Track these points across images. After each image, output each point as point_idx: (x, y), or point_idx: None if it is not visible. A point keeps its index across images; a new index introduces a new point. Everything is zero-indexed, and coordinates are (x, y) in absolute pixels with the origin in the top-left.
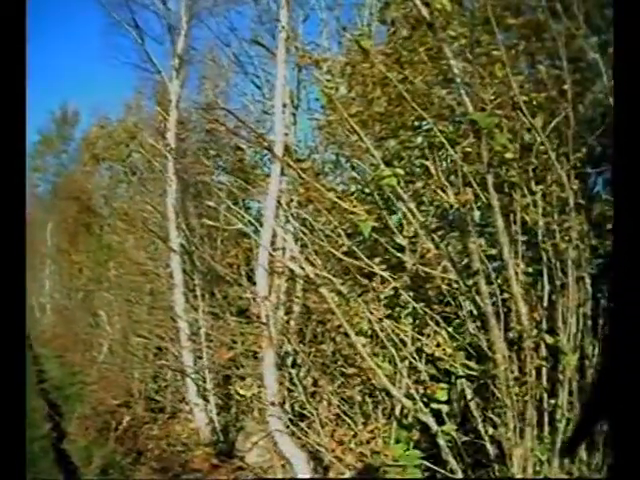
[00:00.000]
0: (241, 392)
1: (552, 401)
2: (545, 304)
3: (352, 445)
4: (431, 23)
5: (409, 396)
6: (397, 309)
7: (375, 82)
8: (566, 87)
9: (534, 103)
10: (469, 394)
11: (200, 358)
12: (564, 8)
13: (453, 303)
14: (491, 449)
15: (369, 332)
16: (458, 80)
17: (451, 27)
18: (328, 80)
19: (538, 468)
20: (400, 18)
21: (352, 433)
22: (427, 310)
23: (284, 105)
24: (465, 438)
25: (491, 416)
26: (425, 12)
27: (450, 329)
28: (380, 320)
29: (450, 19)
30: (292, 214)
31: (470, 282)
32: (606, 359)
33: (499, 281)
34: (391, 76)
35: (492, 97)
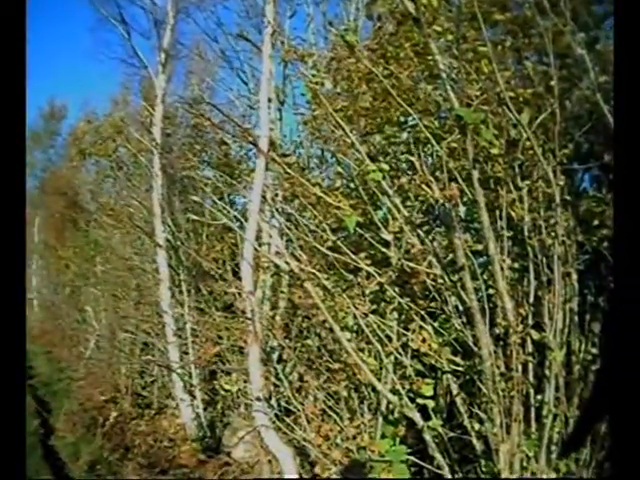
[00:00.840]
0: (227, 387)
1: (539, 397)
2: (531, 300)
3: (338, 440)
4: (417, 18)
5: (395, 391)
6: (382, 304)
7: (361, 77)
8: (553, 83)
9: (520, 99)
10: (455, 390)
11: (186, 353)
12: (551, 4)
13: (439, 298)
14: (477, 445)
15: (354, 327)
16: (444, 76)
17: (437, 23)
18: (314, 75)
19: (525, 464)
20: (386, 13)
21: (338, 428)
22: (412, 305)
23: (269, 100)
24: (451, 434)
25: (477, 412)
26: (411, 7)
27: (436, 324)
28: (365, 315)
29: (436, 15)
30: (277, 209)
31: (455, 278)
32: (605, 358)
33: (485, 277)
34: (377, 71)
35: (478, 93)
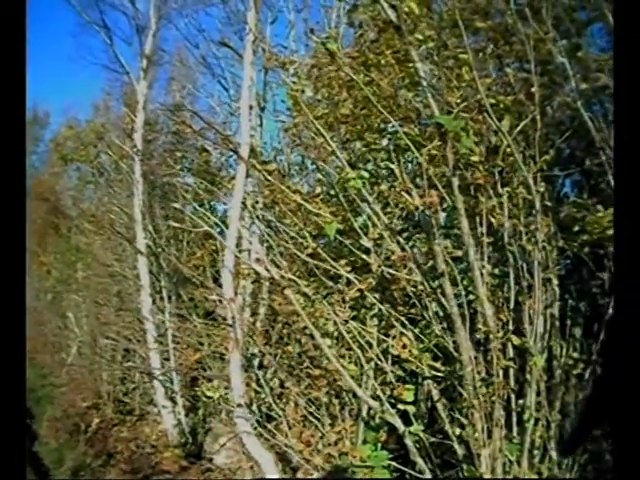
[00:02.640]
0: (208, 394)
1: (520, 401)
2: (512, 305)
3: (320, 446)
4: (398, 26)
5: (376, 397)
6: (363, 311)
7: (341, 85)
8: (534, 90)
9: (501, 106)
10: (436, 395)
11: (167, 360)
12: (533, 12)
13: (419, 305)
14: (459, 449)
15: (335, 334)
16: (424, 83)
17: (419, 30)
18: (294, 82)
19: (507, 468)
20: (367, 21)
21: (319, 434)
22: (393, 312)
23: (250, 107)
24: (433, 439)
25: (458, 417)
26: (392, 15)
27: (416, 330)
28: (346, 322)
29: (418, 22)
30: (257, 216)
31: (436, 284)
32: (605, 362)
33: (465, 283)
34: (357, 79)
35: (459, 100)
